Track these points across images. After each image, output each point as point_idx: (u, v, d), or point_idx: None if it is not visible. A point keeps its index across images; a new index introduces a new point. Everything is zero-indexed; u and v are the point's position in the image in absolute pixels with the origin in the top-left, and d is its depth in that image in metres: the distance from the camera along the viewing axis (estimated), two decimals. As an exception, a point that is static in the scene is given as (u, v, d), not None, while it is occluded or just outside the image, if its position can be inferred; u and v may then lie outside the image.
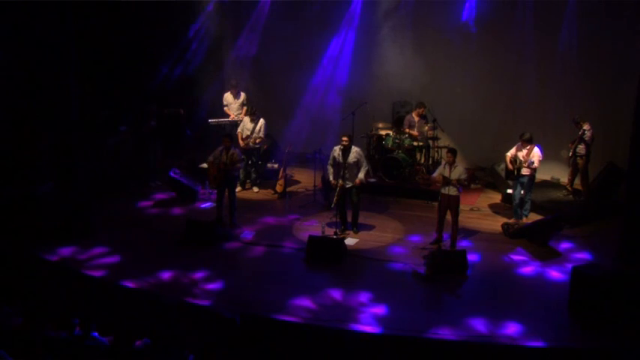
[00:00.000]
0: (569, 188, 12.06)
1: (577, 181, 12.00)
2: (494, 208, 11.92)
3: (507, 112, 13.21)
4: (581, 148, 11.47)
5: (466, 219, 11.04)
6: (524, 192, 10.80)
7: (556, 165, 12.38)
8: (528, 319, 7.91)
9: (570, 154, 11.67)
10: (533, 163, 10.51)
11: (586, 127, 11.36)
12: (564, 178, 12.43)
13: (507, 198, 11.87)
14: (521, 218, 10.89)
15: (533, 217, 11.10)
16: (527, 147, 10.59)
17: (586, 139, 11.34)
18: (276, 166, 13.58)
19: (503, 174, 11.66)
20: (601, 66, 12.30)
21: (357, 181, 10.29)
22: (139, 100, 13.07)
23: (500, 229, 10.75)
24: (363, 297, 8.50)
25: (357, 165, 10.31)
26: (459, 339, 7.59)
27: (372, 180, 12.82)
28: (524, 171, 10.61)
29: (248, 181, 12.82)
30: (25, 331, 6.70)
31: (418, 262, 9.50)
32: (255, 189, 12.78)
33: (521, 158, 10.64)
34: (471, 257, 9.52)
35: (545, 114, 12.74)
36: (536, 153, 10.57)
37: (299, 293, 8.55)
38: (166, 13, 13.69)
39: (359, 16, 14.19)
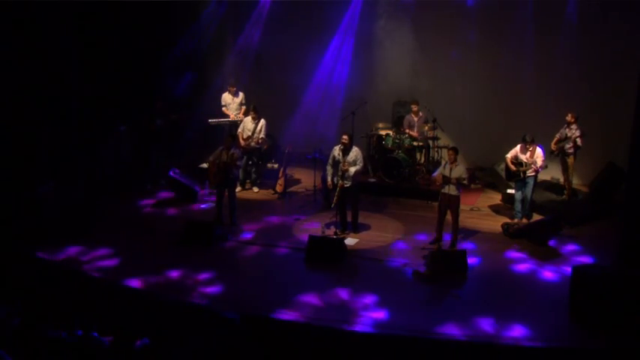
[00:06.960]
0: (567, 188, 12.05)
1: (575, 181, 12.01)
2: (494, 208, 11.92)
3: (507, 112, 13.20)
4: (569, 147, 11.47)
5: (466, 219, 11.03)
6: (527, 192, 10.81)
7: (556, 165, 12.35)
8: (528, 319, 7.90)
9: (557, 152, 11.63)
10: (537, 164, 10.53)
11: (570, 119, 11.33)
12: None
13: (507, 198, 11.88)
14: (521, 218, 10.89)
15: (534, 217, 11.10)
16: (530, 149, 10.61)
17: (579, 143, 11.33)
18: (276, 166, 13.58)
19: (503, 174, 11.66)
20: (601, 66, 12.30)
21: (346, 165, 10.17)
22: (142, 98, 13.04)
23: (500, 229, 10.75)
24: (364, 297, 8.50)
25: (355, 164, 10.30)
26: (460, 339, 7.58)
27: (372, 180, 12.83)
28: (530, 172, 10.63)
29: (248, 181, 12.80)
30: (25, 331, 6.69)
31: (418, 262, 9.51)
32: (255, 189, 12.77)
33: (525, 160, 10.65)
34: (471, 257, 9.50)
35: (545, 114, 12.71)
36: (539, 154, 10.61)
37: (298, 293, 8.54)
38: (167, 13, 13.68)
39: (359, 16, 14.20)
